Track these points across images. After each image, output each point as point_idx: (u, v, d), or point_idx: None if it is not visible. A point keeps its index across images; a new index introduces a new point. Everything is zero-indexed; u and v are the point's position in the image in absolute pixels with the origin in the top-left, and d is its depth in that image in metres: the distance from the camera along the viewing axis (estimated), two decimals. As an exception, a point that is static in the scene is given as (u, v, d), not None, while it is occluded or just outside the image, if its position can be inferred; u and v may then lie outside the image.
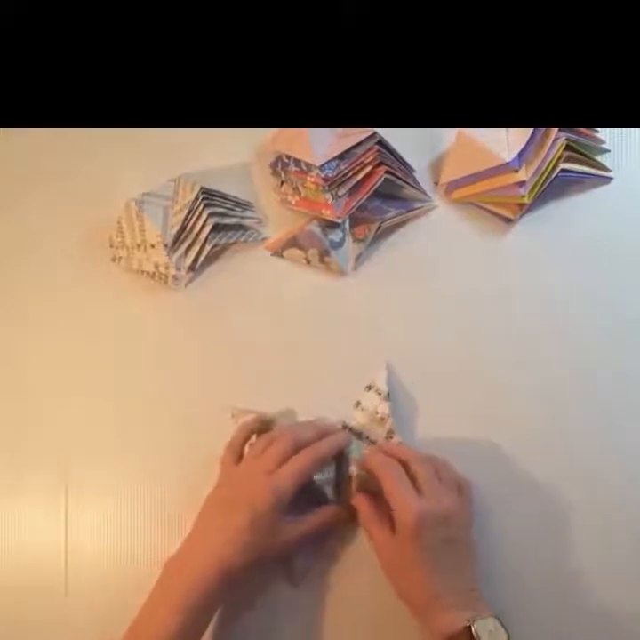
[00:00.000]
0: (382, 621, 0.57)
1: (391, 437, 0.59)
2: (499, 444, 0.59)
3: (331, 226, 0.63)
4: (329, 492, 0.57)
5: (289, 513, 0.54)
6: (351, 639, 0.57)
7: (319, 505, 0.57)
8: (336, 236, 0.63)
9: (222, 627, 0.57)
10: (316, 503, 0.57)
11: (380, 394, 0.60)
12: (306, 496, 0.55)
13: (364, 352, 0.62)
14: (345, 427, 0.60)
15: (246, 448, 0.59)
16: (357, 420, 0.60)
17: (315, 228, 0.63)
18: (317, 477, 0.56)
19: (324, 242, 0.63)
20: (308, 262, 0.64)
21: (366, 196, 0.62)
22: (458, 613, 0.49)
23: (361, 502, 0.55)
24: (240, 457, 0.58)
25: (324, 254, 0.63)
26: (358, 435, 0.59)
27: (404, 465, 0.54)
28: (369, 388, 0.61)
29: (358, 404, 0.60)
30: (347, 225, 0.63)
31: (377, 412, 0.59)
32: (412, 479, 0.53)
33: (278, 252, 0.66)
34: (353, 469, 0.56)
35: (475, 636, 0.48)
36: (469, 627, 0.48)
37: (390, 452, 0.56)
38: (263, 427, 0.60)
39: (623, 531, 0.56)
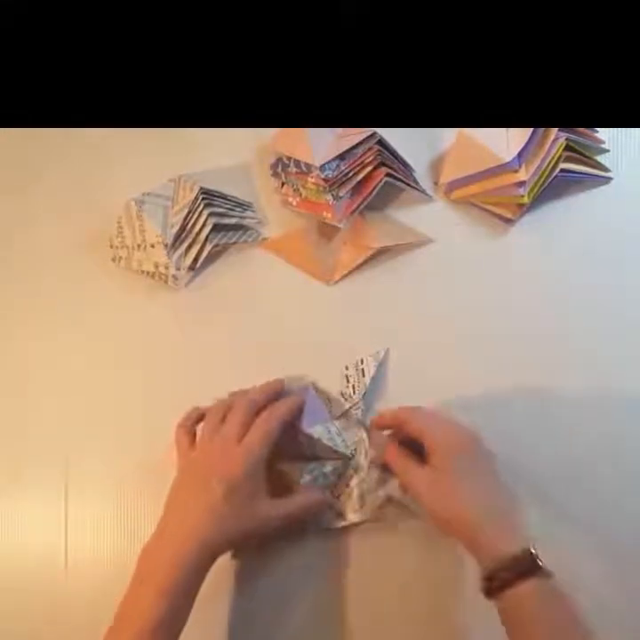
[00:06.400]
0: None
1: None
2: (497, 445, 0.59)
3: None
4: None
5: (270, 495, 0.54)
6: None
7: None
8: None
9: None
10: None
11: (364, 376, 0.61)
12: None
13: (364, 351, 0.62)
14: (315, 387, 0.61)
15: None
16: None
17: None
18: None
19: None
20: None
21: (369, 199, 0.62)
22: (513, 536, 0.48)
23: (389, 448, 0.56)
24: (194, 437, 0.58)
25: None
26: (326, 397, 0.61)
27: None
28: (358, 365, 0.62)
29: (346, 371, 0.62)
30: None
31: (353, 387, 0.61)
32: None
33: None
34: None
35: (536, 557, 0.46)
36: (528, 548, 0.47)
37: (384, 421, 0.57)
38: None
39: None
